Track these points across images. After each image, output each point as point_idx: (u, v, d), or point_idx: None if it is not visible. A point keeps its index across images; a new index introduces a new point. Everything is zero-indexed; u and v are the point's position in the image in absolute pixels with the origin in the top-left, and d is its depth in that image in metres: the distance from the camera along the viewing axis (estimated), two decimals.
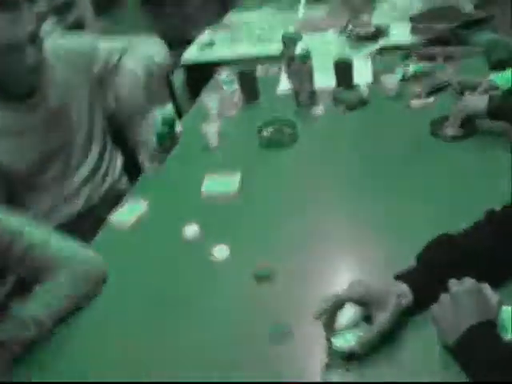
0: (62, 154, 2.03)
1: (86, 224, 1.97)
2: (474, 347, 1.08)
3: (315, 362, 1.22)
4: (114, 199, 2.11)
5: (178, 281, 1.55)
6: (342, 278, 1.40)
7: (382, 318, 1.20)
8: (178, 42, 3.02)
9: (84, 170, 2.09)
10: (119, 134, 2.39)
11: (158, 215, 1.82)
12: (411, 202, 1.64)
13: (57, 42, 2.06)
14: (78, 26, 4.11)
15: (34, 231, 1.50)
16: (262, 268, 1.48)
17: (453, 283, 1.17)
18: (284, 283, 1.45)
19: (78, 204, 2.08)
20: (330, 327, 1.23)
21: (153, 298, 1.51)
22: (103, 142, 2.17)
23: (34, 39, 1.82)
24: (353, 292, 1.24)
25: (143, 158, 2.51)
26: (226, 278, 1.52)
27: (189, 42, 3.33)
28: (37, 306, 1.44)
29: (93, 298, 1.53)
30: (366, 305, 1.24)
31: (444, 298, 1.16)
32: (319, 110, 2.22)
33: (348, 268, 1.48)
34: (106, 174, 2.17)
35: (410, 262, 1.32)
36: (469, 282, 1.15)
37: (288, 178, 1.90)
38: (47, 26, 3.66)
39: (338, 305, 1.23)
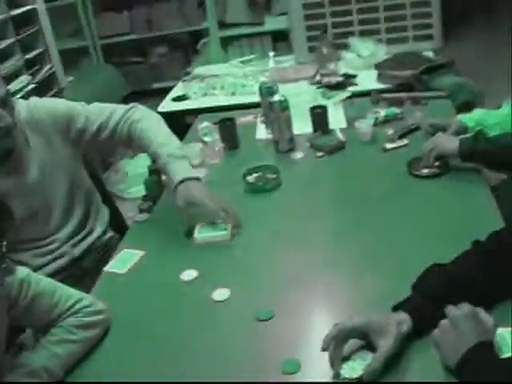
0: (37, 220, 2.00)
1: (71, 276, 2.02)
2: (475, 367, 1.16)
3: None
4: (99, 250, 2.16)
5: (179, 325, 1.60)
6: (339, 313, 1.49)
7: (386, 346, 1.28)
8: (142, 92, 3.08)
9: (64, 233, 2.07)
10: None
11: (153, 263, 1.87)
12: (394, 238, 1.75)
13: (33, 105, 2.02)
14: (49, 81, 4.19)
15: (40, 281, 1.54)
16: (262, 310, 1.56)
17: (450, 309, 1.26)
18: (284, 321, 1.52)
19: (61, 261, 2.06)
20: (336, 358, 1.30)
21: (155, 343, 1.55)
22: (86, 206, 2.14)
23: (5, 102, 1.82)
24: (355, 322, 1.32)
25: (122, 209, 2.57)
26: (228, 319, 1.58)
27: (154, 92, 3.41)
28: (47, 356, 1.47)
29: (98, 343, 1.56)
30: (368, 334, 1.31)
31: (443, 323, 1.25)
32: (298, 155, 2.32)
33: (344, 303, 1.55)
34: (90, 232, 2.16)
35: (400, 289, 1.41)
36: (465, 307, 1.25)
37: (275, 221, 1.97)
38: (21, 83, 3.74)
39: (342, 335, 1.31)
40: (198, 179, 1.93)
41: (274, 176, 2.16)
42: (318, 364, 1.34)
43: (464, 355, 1.18)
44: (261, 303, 1.59)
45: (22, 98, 2.17)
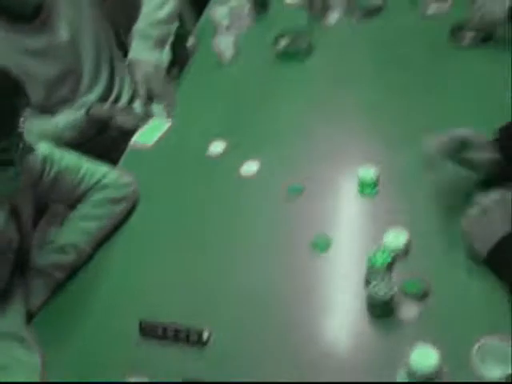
0: (68, 81, 2.00)
1: (98, 146, 1.99)
2: (508, 255, 1.11)
3: (355, 268, 1.26)
4: None
5: (206, 199, 1.58)
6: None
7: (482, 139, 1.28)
8: None
9: (92, 97, 2.06)
10: None
11: (180, 134, 1.83)
12: (431, 108, 1.66)
13: None
14: None
15: (64, 156, 1.51)
16: (293, 185, 1.51)
17: (479, 197, 1.20)
18: (315, 197, 1.48)
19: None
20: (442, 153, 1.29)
21: (181, 221, 1.54)
22: (111, 70, 2.13)
23: None
24: (463, 131, 1.29)
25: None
26: (257, 194, 1.54)
27: None
28: (74, 232, 1.47)
29: (126, 217, 1.56)
30: (469, 147, 1.29)
31: (471, 211, 1.19)
32: (333, 18, 2.19)
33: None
34: (116, 100, 2.15)
35: None
36: (494, 193, 1.19)
37: (307, 90, 1.89)
38: None
39: (451, 139, 1.28)
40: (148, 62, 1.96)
41: (307, 41, 2.05)
42: (349, 240, 1.34)
43: (497, 243, 1.12)
44: (291, 178, 1.54)
45: None
